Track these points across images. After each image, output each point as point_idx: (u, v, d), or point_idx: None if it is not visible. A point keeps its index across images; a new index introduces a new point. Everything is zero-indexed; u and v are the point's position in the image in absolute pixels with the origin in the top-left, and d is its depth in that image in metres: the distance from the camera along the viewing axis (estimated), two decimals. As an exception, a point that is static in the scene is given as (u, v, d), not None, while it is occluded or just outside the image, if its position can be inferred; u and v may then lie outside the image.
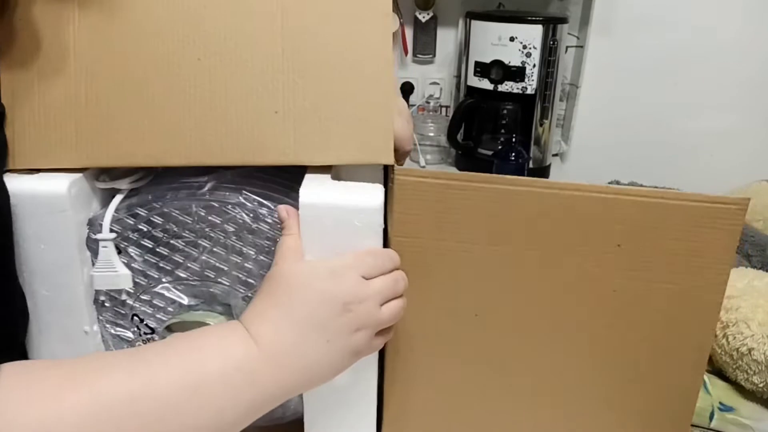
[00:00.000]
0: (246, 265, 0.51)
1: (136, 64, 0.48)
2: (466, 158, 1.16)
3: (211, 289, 0.52)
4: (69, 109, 0.49)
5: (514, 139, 1.08)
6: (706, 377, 0.75)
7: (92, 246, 0.51)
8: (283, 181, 0.53)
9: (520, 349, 0.53)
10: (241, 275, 0.51)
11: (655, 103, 1.23)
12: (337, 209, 0.46)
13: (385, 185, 0.51)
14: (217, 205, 0.49)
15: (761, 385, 0.70)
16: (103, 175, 0.52)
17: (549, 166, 1.20)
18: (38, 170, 0.50)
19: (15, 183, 0.48)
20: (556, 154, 1.26)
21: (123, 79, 0.48)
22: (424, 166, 1.20)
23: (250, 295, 0.51)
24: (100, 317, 0.53)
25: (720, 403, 0.72)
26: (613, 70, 1.21)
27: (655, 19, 1.17)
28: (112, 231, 0.50)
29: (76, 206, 0.49)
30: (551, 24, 1.05)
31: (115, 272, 0.50)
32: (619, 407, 0.55)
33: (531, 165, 1.14)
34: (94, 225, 0.50)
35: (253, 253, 0.50)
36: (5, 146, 0.49)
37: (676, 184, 1.24)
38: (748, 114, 1.22)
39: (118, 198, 0.51)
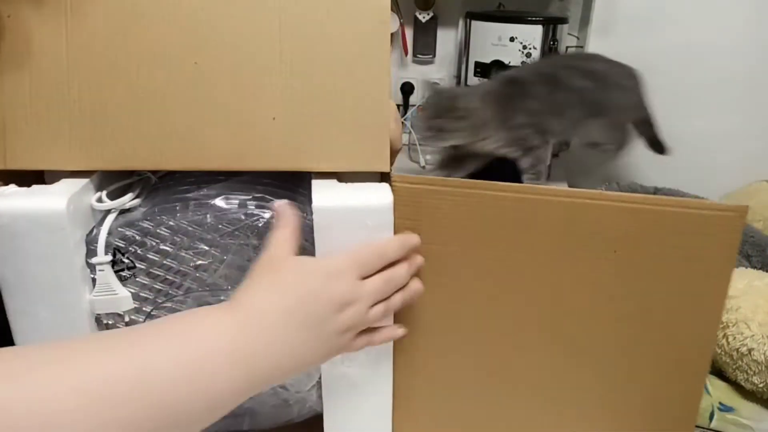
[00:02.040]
0: None
1: (132, 68, 0.48)
2: (466, 158, 1.16)
3: (222, 298, 0.51)
4: (63, 110, 0.48)
5: (514, 140, 1.07)
6: (706, 377, 0.76)
7: (92, 264, 0.49)
8: (284, 184, 0.53)
9: (518, 351, 0.54)
10: None
11: (655, 103, 1.23)
12: (350, 211, 0.47)
13: None
14: (228, 214, 0.49)
15: (761, 386, 0.70)
16: (98, 195, 0.50)
17: (549, 166, 1.20)
18: (28, 175, 0.49)
19: (11, 201, 0.46)
20: (556, 154, 1.26)
21: (118, 82, 0.48)
22: (424, 167, 1.20)
23: None
24: None
25: (720, 403, 0.72)
26: (613, 70, 1.21)
27: (655, 19, 1.17)
28: (116, 249, 0.48)
29: (75, 224, 0.47)
30: (551, 24, 1.05)
31: (114, 295, 0.49)
32: (618, 411, 0.55)
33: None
34: (90, 246, 0.49)
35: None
36: None
37: (676, 184, 1.24)
38: (747, 114, 1.22)
39: (110, 219, 0.49)
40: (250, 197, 0.50)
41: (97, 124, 0.48)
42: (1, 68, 0.48)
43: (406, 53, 1.23)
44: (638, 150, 1.27)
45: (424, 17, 1.19)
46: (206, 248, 0.49)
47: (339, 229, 0.47)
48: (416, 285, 0.50)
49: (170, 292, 0.50)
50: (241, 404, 0.55)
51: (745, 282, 0.76)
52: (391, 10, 1.19)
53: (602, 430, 0.55)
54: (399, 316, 0.52)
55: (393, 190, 0.49)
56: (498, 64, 1.07)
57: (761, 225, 1.08)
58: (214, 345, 0.39)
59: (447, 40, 1.23)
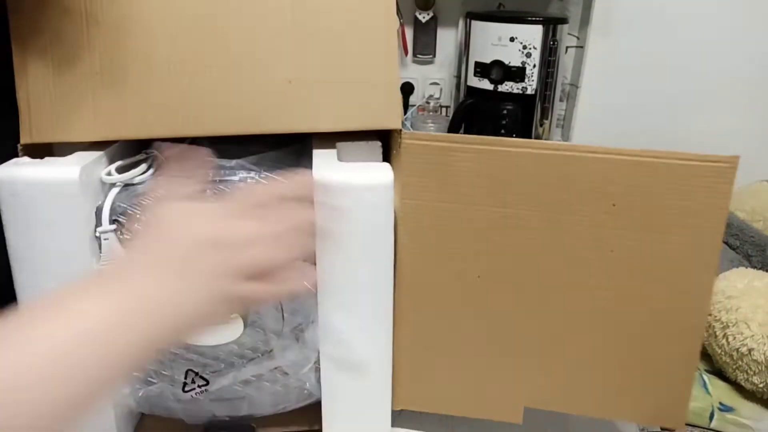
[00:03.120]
0: None
1: (150, 37, 0.49)
2: (466, 158, 1.16)
3: None
4: (85, 81, 0.49)
5: (514, 140, 1.07)
6: (706, 377, 0.75)
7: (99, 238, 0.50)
8: (285, 161, 0.53)
9: (521, 309, 0.55)
10: None
11: (655, 103, 1.23)
12: (351, 188, 0.48)
13: (386, 151, 0.53)
14: (228, 189, 0.49)
15: (761, 385, 0.70)
16: (108, 168, 0.51)
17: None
18: (48, 148, 0.50)
19: (25, 169, 0.47)
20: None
21: (138, 51, 0.49)
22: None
23: None
24: None
25: (720, 403, 0.72)
26: (613, 70, 1.21)
27: (655, 18, 1.17)
28: (117, 221, 0.49)
29: (87, 194, 0.48)
30: (551, 24, 1.05)
31: None
32: (618, 362, 0.55)
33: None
34: (96, 218, 0.49)
35: None
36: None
37: (676, 184, 1.24)
38: (748, 114, 1.22)
39: (115, 190, 0.50)
40: (253, 172, 0.50)
41: (119, 95, 0.49)
42: (23, 46, 0.49)
43: (406, 53, 1.23)
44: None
45: (424, 17, 1.19)
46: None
47: (338, 206, 0.48)
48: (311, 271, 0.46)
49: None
50: (239, 390, 0.55)
51: (745, 282, 0.76)
52: (391, 10, 1.19)
53: (602, 382, 0.55)
54: (401, 280, 0.52)
55: (402, 147, 0.50)
56: (498, 64, 1.07)
57: (761, 225, 1.08)
58: (93, 324, 0.37)
59: (447, 40, 1.23)
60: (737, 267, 0.85)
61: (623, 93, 1.23)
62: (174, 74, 0.49)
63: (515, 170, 0.50)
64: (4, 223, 0.48)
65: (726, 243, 1.08)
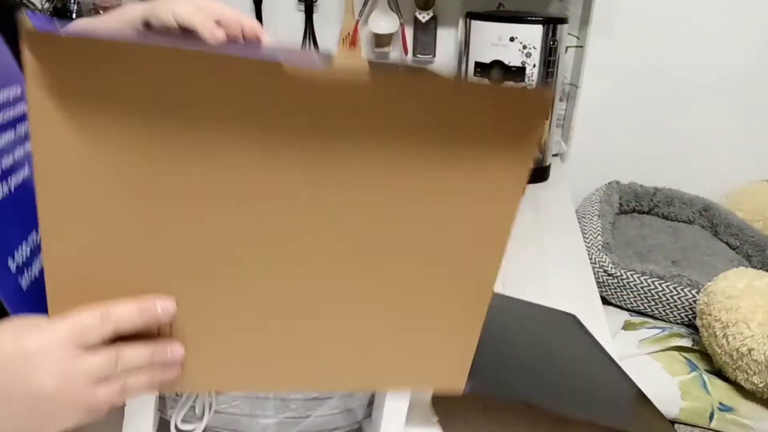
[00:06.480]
0: None
1: (204, 297, 0.42)
2: (466, 158, 1.16)
3: None
4: None
5: (514, 139, 1.07)
6: (706, 377, 0.75)
7: None
8: None
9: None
10: None
11: (655, 103, 1.23)
12: None
13: None
14: None
15: (761, 385, 0.70)
16: None
17: (549, 166, 1.20)
18: None
19: None
20: (556, 154, 1.26)
21: (204, 319, 0.43)
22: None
23: None
24: None
25: (720, 403, 0.72)
26: (613, 70, 1.21)
27: (655, 19, 1.17)
28: None
29: None
30: (551, 24, 1.05)
31: None
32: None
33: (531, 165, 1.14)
34: None
35: None
36: None
37: (676, 184, 1.24)
38: (747, 114, 1.22)
39: None
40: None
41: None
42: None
43: (406, 53, 1.23)
44: (638, 150, 1.27)
45: (424, 17, 1.19)
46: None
47: None
48: (171, 372, 0.42)
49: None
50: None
51: (745, 282, 0.76)
52: (391, 9, 1.19)
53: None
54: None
55: None
56: (498, 64, 1.07)
57: (761, 225, 1.08)
58: None
59: (447, 40, 1.23)
60: (737, 267, 0.85)
61: (623, 93, 1.23)
62: (237, 333, 0.45)
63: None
64: None
65: (726, 243, 1.08)
